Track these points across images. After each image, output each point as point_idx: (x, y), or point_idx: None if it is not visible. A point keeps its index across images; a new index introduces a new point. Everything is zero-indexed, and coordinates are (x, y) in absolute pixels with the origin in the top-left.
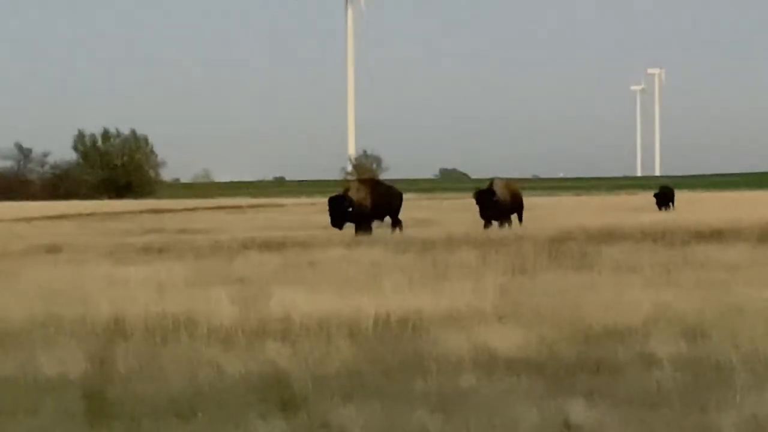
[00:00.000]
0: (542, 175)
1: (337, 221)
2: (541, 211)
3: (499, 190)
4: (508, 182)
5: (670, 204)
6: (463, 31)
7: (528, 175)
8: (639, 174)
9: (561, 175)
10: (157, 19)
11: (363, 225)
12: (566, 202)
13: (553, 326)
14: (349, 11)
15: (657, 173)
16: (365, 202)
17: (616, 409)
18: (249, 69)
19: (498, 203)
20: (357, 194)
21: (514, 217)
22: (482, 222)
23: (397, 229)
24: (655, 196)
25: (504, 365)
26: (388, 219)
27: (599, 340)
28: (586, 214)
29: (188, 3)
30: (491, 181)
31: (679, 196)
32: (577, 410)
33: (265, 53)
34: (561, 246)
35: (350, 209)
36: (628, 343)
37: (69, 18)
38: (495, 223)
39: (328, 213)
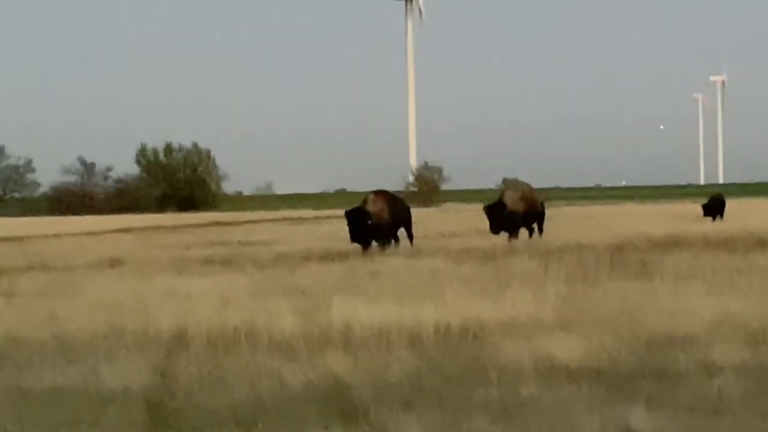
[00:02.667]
0: (604, 184)
1: (358, 236)
2: (602, 220)
3: (511, 202)
4: (525, 191)
5: (718, 215)
6: (525, 40)
7: (590, 184)
8: (702, 182)
9: (623, 183)
10: (218, 34)
11: (382, 239)
12: (628, 210)
13: (614, 334)
14: (409, 22)
15: (720, 181)
16: (383, 215)
17: (677, 416)
18: (310, 81)
19: (511, 216)
20: (374, 207)
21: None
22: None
23: (411, 242)
24: (703, 206)
25: (565, 373)
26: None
27: (660, 347)
28: (648, 222)
29: (248, 17)
30: (502, 191)
31: (742, 203)
32: (638, 417)
33: (325, 65)
34: (622, 254)
35: (369, 222)
36: (690, 350)
37: (131, 34)
38: (519, 233)
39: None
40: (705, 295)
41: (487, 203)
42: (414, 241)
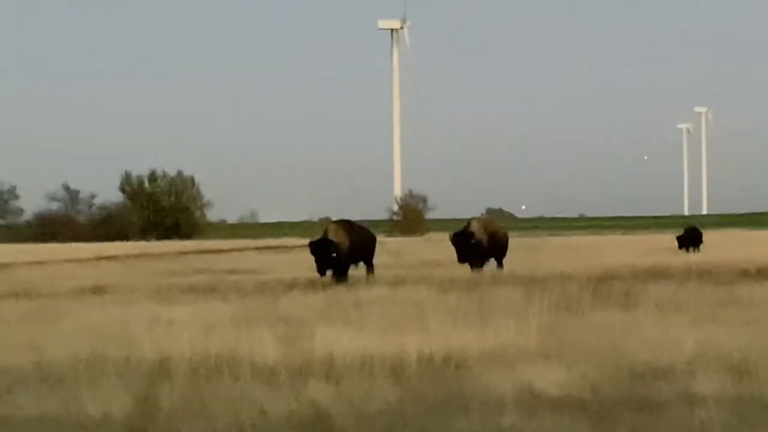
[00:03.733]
0: (589, 214)
1: (323, 266)
2: (586, 250)
3: (477, 232)
4: (487, 222)
5: (693, 247)
6: (511, 70)
7: (575, 214)
8: (686, 212)
9: (608, 213)
10: (203, 62)
11: (342, 270)
12: (612, 240)
13: (597, 364)
14: (395, 51)
15: (705, 212)
16: (344, 245)
17: None
18: (294, 109)
19: (478, 246)
20: (336, 236)
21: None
22: (468, 264)
23: (371, 274)
24: (678, 238)
25: (547, 403)
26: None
27: (643, 378)
28: (631, 252)
29: (234, 46)
30: (468, 222)
31: (726, 234)
32: None
33: (310, 94)
34: (606, 284)
35: (335, 254)
36: (672, 380)
37: (115, 61)
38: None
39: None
40: (688, 326)
41: (452, 233)
42: (374, 271)
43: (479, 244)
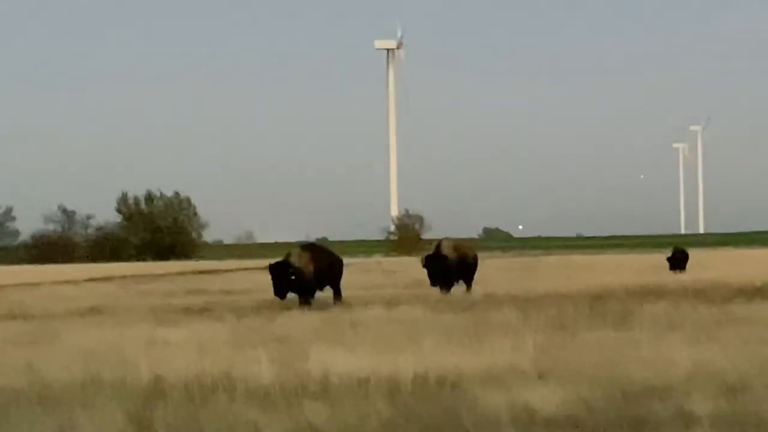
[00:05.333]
0: (586, 234)
1: (281, 290)
2: (583, 270)
3: (449, 254)
4: (457, 244)
5: (678, 269)
6: (508, 89)
7: (572, 234)
8: (683, 231)
9: (604, 233)
10: (199, 83)
11: (306, 294)
12: (609, 260)
13: (593, 384)
14: (391, 70)
15: (701, 230)
16: (307, 270)
17: None
18: (290, 131)
19: (449, 268)
20: (299, 261)
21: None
22: (439, 287)
23: (338, 299)
24: (668, 259)
25: (542, 423)
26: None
27: (638, 397)
28: (628, 272)
29: (230, 66)
30: (439, 242)
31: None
32: None
33: (306, 115)
34: (602, 304)
35: (293, 277)
36: (668, 400)
37: (112, 82)
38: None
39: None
40: (683, 345)
41: (424, 255)
42: (341, 297)
43: (451, 267)
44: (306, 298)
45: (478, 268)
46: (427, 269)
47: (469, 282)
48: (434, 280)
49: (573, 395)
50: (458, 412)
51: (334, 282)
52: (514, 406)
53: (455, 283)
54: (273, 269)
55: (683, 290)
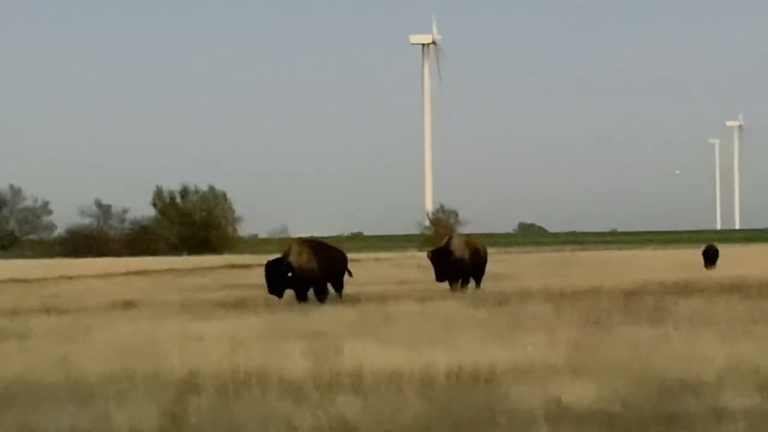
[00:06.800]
0: (620, 229)
1: (275, 288)
2: (618, 265)
3: (457, 249)
4: (468, 239)
5: (710, 264)
6: (543, 84)
7: (606, 229)
8: (719, 227)
9: (639, 228)
10: (235, 77)
11: (304, 291)
12: (644, 255)
13: (626, 379)
14: (426, 65)
15: (737, 226)
16: (307, 266)
17: None
18: (325, 124)
19: (456, 263)
20: (298, 257)
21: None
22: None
23: (339, 295)
24: (704, 254)
25: (576, 418)
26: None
27: (672, 393)
28: (662, 267)
29: (266, 60)
30: (448, 238)
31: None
32: None
33: (341, 109)
34: (636, 299)
35: (289, 274)
36: (702, 396)
37: (149, 76)
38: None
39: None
40: (717, 341)
41: (431, 250)
42: (342, 293)
43: (458, 262)
44: (302, 296)
45: (513, 263)
46: (432, 264)
47: (478, 280)
48: (439, 275)
49: (607, 391)
50: (492, 407)
51: (337, 278)
52: (547, 401)
53: (466, 279)
54: (267, 267)
55: (718, 286)
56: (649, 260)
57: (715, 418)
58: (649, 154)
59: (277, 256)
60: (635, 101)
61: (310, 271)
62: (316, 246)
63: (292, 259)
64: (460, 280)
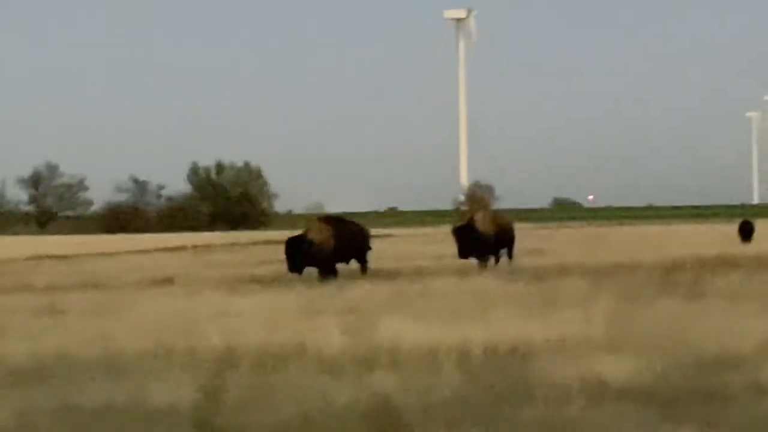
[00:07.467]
0: (657, 204)
1: (295, 265)
2: (654, 240)
3: (481, 225)
4: (495, 215)
5: (745, 240)
6: (578, 57)
7: (642, 204)
8: (756, 201)
9: (675, 203)
10: (270, 54)
11: (326, 268)
12: (680, 230)
13: (664, 354)
14: (460, 40)
15: None
16: (327, 244)
17: None
18: (360, 100)
19: (479, 240)
20: (318, 235)
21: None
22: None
23: (364, 271)
24: (739, 229)
25: (613, 393)
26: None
27: (711, 368)
28: (700, 242)
29: (299, 38)
30: (472, 214)
31: None
32: None
33: (377, 85)
34: (673, 274)
35: (310, 251)
36: (740, 371)
37: (183, 54)
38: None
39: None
40: (756, 317)
41: (454, 226)
42: (366, 269)
43: (481, 238)
44: (325, 273)
45: (549, 238)
46: (455, 240)
47: (509, 253)
48: (462, 251)
49: (644, 366)
50: (529, 382)
51: (360, 255)
52: (584, 376)
53: (491, 256)
54: (288, 244)
55: (756, 261)
56: (686, 235)
57: (755, 394)
58: (685, 128)
59: (298, 233)
60: (672, 75)
61: (328, 249)
62: (337, 223)
63: (313, 236)
64: (485, 257)
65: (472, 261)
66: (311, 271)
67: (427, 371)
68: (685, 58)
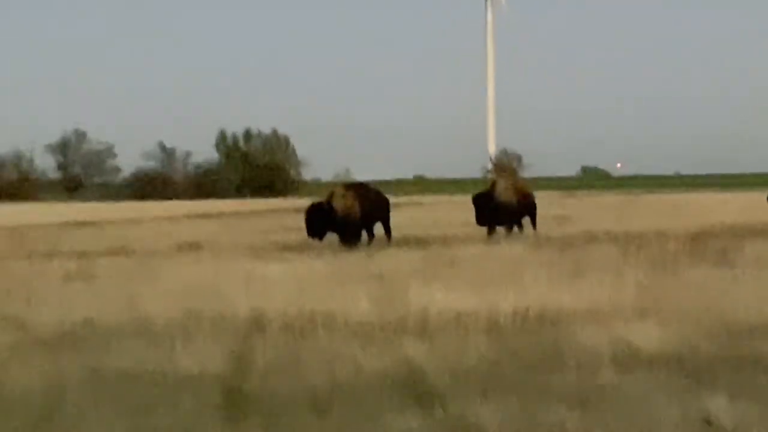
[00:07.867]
0: (685, 172)
1: (316, 231)
2: (683, 208)
3: (502, 193)
4: (516, 182)
5: None
6: (605, 25)
7: (670, 172)
8: None
9: (704, 171)
10: (296, 22)
11: (349, 235)
12: (710, 198)
13: (694, 322)
14: (489, 9)
15: None
16: (352, 210)
17: (757, 406)
18: (387, 67)
19: (499, 208)
20: (342, 201)
21: (527, 222)
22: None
23: (389, 239)
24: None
25: (644, 361)
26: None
27: (741, 336)
28: (729, 210)
29: (324, 6)
30: (493, 182)
31: None
32: (719, 407)
33: (404, 52)
34: (702, 242)
35: (333, 217)
36: None
37: (209, 21)
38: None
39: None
40: None
41: (475, 192)
42: (391, 236)
43: (501, 206)
44: (347, 240)
45: (577, 206)
46: (475, 208)
47: (533, 222)
48: (480, 219)
49: (675, 333)
50: (559, 349)
51: (384, 221)
52: (615, 343)
53: (514, 224)
54: (309, 210)
55: None
56: (715, 203)
57: None
58: (714, 95)
59: (319, 200)
60: (700, 40)
61: (353, 216)
62: (359, 190)
63: (336, 203)
64: (505, 226)
65: (500, 229)
66: (335, 238)
67: (457, 338)
68: (714, 22)
